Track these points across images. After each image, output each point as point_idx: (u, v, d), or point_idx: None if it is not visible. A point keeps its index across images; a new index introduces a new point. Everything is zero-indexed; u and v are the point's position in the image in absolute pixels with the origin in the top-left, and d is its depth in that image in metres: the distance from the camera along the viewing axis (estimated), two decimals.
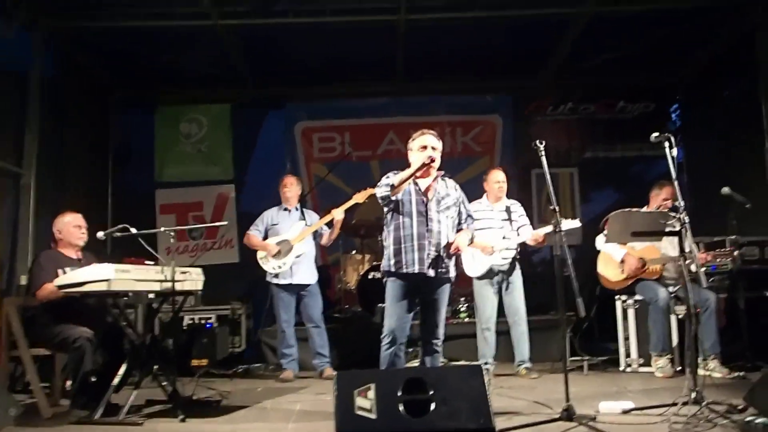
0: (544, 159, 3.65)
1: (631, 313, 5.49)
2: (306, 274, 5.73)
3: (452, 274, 4.09)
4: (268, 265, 5.68)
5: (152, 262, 4.78)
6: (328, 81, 8.02)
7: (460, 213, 4.19)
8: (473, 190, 8.18)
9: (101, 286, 3.80)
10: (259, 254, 5.75)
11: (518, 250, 5.45)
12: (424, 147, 4.06)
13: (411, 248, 3.95)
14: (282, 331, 5.69)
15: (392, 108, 8.42)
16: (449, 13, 6.48)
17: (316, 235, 5.86)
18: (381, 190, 4.05)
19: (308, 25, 6.53)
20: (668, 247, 5.27)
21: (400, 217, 4.04)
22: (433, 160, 4.01)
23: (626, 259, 5.33)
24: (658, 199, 5.29)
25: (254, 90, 8.15)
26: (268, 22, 6.47)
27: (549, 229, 4.95)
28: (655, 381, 4.90)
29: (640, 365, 5.36)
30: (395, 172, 4.10)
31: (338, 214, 5.56)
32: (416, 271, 3.93)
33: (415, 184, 4.06)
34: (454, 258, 4.10)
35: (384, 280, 4.11)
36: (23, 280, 5.32)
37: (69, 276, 3.98)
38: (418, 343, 4.32)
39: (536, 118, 8.37)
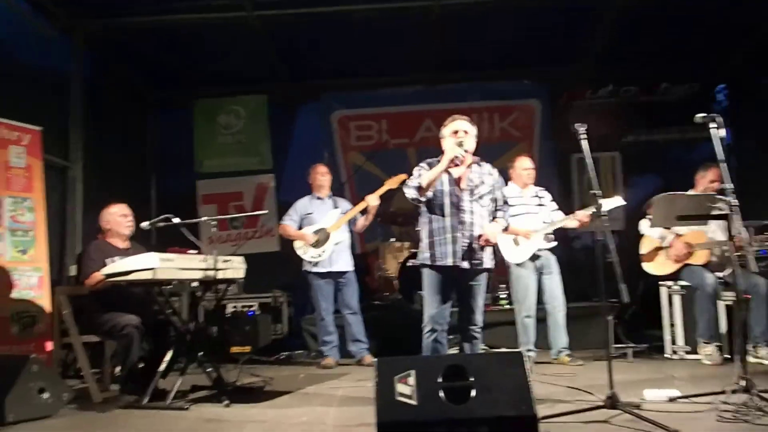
0: (585, 143, 3.57)
1: (677, 299, 5.37)
2: (344, 261, 5.76)
3: (488, 264, 4.01)
4: (307, 254, 5.72)
5: (195, 251, 4.88)
6: (364, 71, 8.00)
7: (495, 199, 4.09)
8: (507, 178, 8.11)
9: (146, 275, 3.89)
10: (296, 244, 5.79)
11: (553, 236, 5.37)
12: (455, 132, 3.97)
13: (444, 241, 3.91)
14: (322, 319, 5.74)
15: (428, 95, 8.38)
16: None
17: (351, 222, 5.88)
18: (410, 192, 3.99)
19: (342, 13, 6.52)
20: (716, 231, 5.13)
21: (434, 208, 3.98)
22: (456, 162, 3.91)
23: (673, 244, 5.20)
24: (705, 181, 5.15)
25: (290, 82, 8.20)
26: (301, 11, 6.49)
27: (593, 209, 4.86)
28: (702, 369, 4.79)
29: (687, 353, 5.25)
30: (428, 162, 4.03)
31: (372, 200, 5.57)
32: (450, 263, 3.89)
33: (448, 173, 3.98)
34: (489, 248, 4.01)
35: (421, 270, 4.07)
36: (73, 271, 5.48)
37: (115, 265, 4.08)
38: (456, 332, 4.31)
39: (575, 102, 8.22)
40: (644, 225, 5.36)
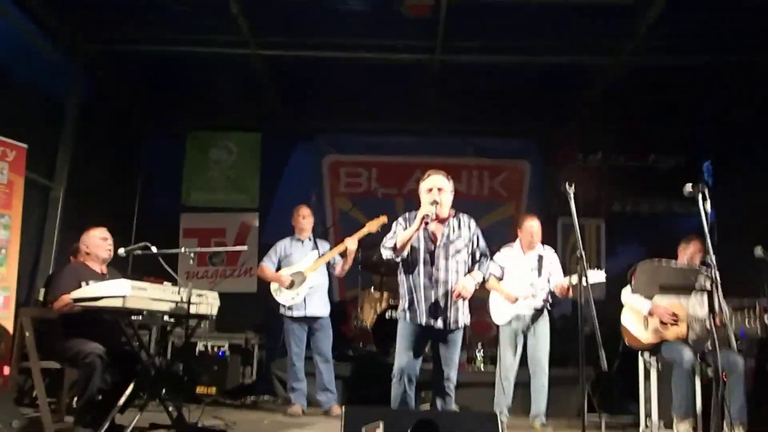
0: (572, 202, 3.56)
1: (653, 372, 5.28)
2: (319, 306, 5.65)
3: (463, 321, 4.00)
4: (282, 296, 5.61)
5: (171, 284, 4.77)
6: (359, 116, 8.08)
7: (473, 252, 4.10)
8: (497, 235, 8.10)
9: (117, 302, 3.78)
10: (273, 286, 5.68)
11: (548, 300, 5.29)
12: (430, 190, 3.99)
13: (420, 299, 3.94)
14: (293, 365, 5.59)
15: (421, 146, 8.45)
16: (483, 56, 6.53)
17: (330, 266, 5.80)
18: (386, 253, 4.03)
19: (342, 60, 6.62)
20: (696, 306, 5.09)
21: (409, 265, 4.02)
22: (427, 221, 3.90)
23: (655, 310, 5.14)
24: (686, 253, 5.14)
25: (284, 120, 8.25)
26: (303, 54, 6.59)
27: (574, 279, 4.82)
28: None
29: (661, 428, 5.14)
30: (405, 217, 4.08)
31: (351, 243, 5.50)
32: (424, 322, 3.91)
33: (425, 229, 3.99)
34: (465, 304, 4.02)
35: (397, 321, 4.10)
36: (41, 294, 5.33)
37: (86, 289, 3.96)
38: (430, 388, 4.22)
39: (565, 166, 8.29)
40: (626, 292, 5.32)
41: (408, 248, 3.96)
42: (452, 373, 3.99)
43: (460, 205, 8.01)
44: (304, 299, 5.54)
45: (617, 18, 5.87)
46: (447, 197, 4.03)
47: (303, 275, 5.59)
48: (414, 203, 7.69)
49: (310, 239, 5.85)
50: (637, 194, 8.23)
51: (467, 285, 3.94)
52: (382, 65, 6.75)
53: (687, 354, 4.92)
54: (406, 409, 3.81)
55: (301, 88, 7.47)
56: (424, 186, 4.05)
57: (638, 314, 5.29)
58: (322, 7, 5.89)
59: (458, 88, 7.23)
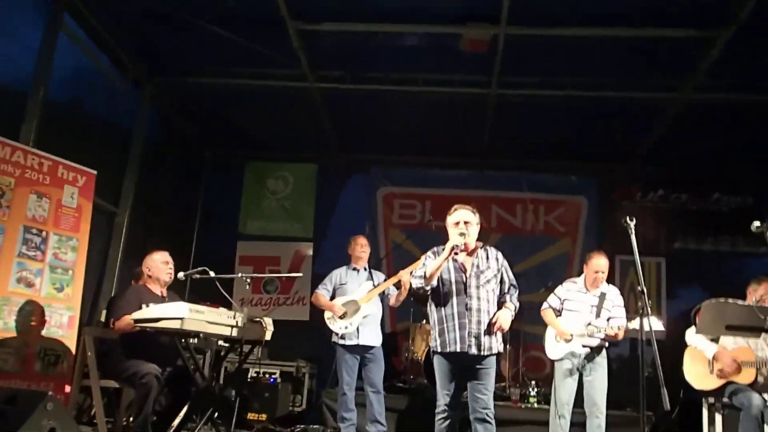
0: (633, 236, 3.48)
1: (718, 418, 5.04)
2: (371, 335, 5.63)
3: (496, 349, 4.07)
4: (335, 325, 5.62)
5: (226, 309, 4.85)
6: (414, 149, 8.14)
7: (502, 282, 4.21)
8: (552, 271, 7.96)
9: (174, 324, 3.87)
10: (326, 314, 5.70)
11: (606, 339, 5.12)
12: (457, 223, 4.10)
13: (453, 327, 4.02)
14: (343, 394, 5.56)
15: (475, 180, 8.41)
16: (541, 90, 6.51)
17: (384, 297, 5.79)
18: (416, 282, 4.15)
19: (399, 93, 6.71)
20: (765, 348, 4.86)
21: (440, 296, 4.10)
22: (456, 251, 3.99)
23: (719, 357, 4.92)
24: (757, 294, 4.93)
25: (340, 152, 8.37)
26: (361, 87, 6.71)
27: (631, 326, 4.69)
28: None
29: None
30: (434, 251, 4.18)
31: (405, 275, 5.48)
32: (458, 350, 3.99)
33: (454, 260, 4.11)
34: (499, 333, 4.09)
35: (432, 357, 4.19)
36: (103, 315, 5.51)
37: (146, 311, 4.07)
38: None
39: (624, 203, 8.12)
40: (690, 333, 5.11)
41: (437, 278, 4.07)
42: (489, 401, 4.03)
43: (514, 239, 8.08)
44: (357, 329, 5.54)
45: (680, 52, 5.78)
46: (474, 230, 4.15)
47: (357, 305, 5.60)
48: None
49: (365, 269, 5.87)
50: (700, 233, 7.94)
51: (506, 318, 4.06)
52: (439, 99, 6.80)
53: (756, 399, 4.69)
54: None
55: (357, 121, 7.59)
56: (451, 220, 4.16)
57: (703, 356, 5.08)
58: (381, 42, 5.99)
59: (514, 123, 7.22)
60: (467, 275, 4.09)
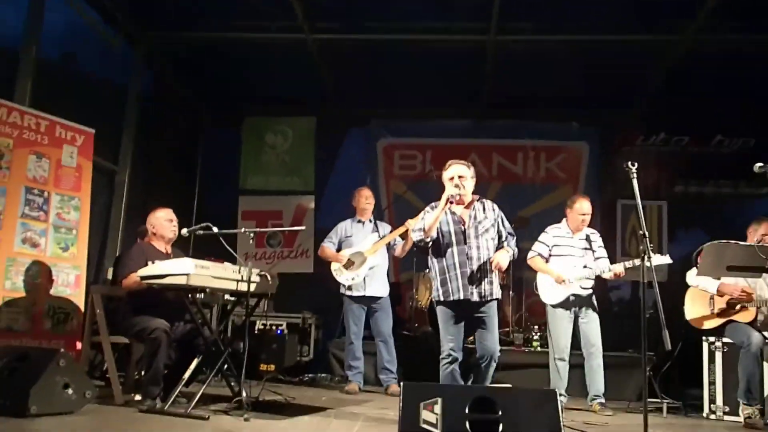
0: (635, 180, 3.48)
1: (718, 356, 5.14)
2: (378, 286, 5.70)
3: (497, 295, 4.26)
4: (342, 277, 5.69)
5: (231, 264, 4.89)
6: (413, 99, 8.04)
7: (499, 232, 4.37)
8: (554, 218, 7.95)
9: (180, 280, 3.90)
10: (333, 266, 5.77)
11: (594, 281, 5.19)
12: (451, 178, 4.25)
13: (455, 276, 4.21)
14: (350, 343, 5.67)
15: (475, 130, 8.36)
16: (539, 36, 6.40)
17: (390, 248, 5.83)
18: (416, 235, 4.33)
19: (397, 43, 6.60)
20: (765, 288, 4.92)
21: (441, 247, 4.28)
22: (451, 201, 4.17)
23: (723, 288, 4.97)
24: (757, 234, 4.96)
25: (339, 106, 8.29)
26: (358, 38, 6.60)
27: (637, 262, 4.71)
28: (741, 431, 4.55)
29: (726, 413, 5.00)
30: (432, 206, 4.32)
31: (412, 224, 5.51)
32: (462, 297, 4.18)
33: (452, 213, 4.29)
34: (497, 279, 4.28)
35: (435, 307, 4.37)
36: (109, 273, 5.56)
37: (151, 268, 4.10)
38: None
39: (625, 148, 8.07)
40: (691, 275, 5.17)
41: (435, 230, 4.23)
42: (493, 344, 4.20)
43: (515, 187, 8.08)
44: (364, 279, 5.60)
45: None
46: (469, 183, 4.30)
47: (363, 256, 5.65)
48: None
49: (371, 221, 5.90)
50: (702, 176, 7.90)
51: (503, 258, 4.20)
52: (437, 48, 6.70)
53: (755, 337, 4.78)
54: (464, 386, 4.02)
55: (355, 73, 7.49)
56: (446, 175, 4.31)
57: (704, 296, 5.15)
58: None
59: (514, 71, 7.11)
60: (466, 226, 4.26)
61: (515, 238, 4.44)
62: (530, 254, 5.31)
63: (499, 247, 4.34)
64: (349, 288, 5.64)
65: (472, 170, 4.35)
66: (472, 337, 4.41)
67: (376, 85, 7.73)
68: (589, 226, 5.37)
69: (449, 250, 4.25)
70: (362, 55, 7.02)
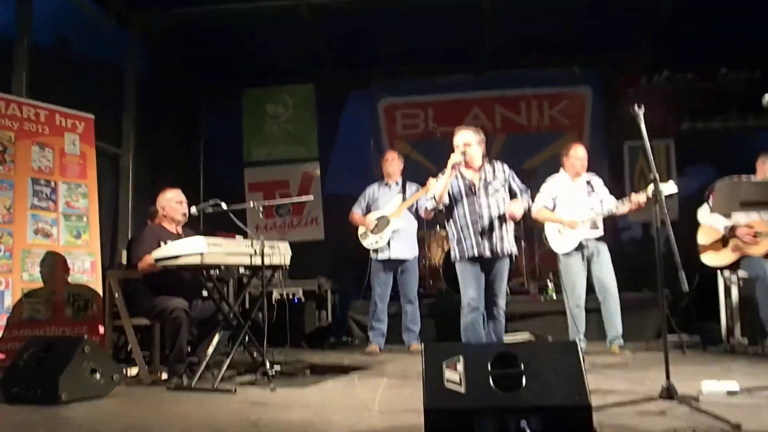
0: (642, 125, 3.44)
1: (734, 290, 5.16)
2: (404, 249, 5.71)
3: (510, 251, 4.43)
4: (367, 240, 5.74)
5: (242, 237, 4.91)
6: (411, 57, 7.93)
7: (512, 191, 4.51)
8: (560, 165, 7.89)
9: (195, 260, 3.93)
10: (360, 230, 5.82)
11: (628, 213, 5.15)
12: (457, 146, 4.40)
13: (468, 235, 4.39)
14: (375, 305, 5.74)
15: (476, 83, 8.28)
16: None
17: (416, 209, 5.80)
18: (428, 204, 4.56)
19: (391, 3, 6.48)
20: None
21: (454, 209, 4.46)
22: (457, 166, 4.33)
23: (735, 230, 4.97)
24: (766, 167, 4.92)
25: (337, 71, 8.19)
26: (351, 0, 6.46)
27: (649, 191, 4.69)
28: (762, 362, 4.59)
29: (745, 345, 5.04)
30: (439, 176, 4.49)
31: (433, 183, 5.49)
32: (476, 254, 4.36)
33: (462, 177, 4.44)
34: (511, 235, 4.44)
35: (454, 263, 4.53)
36: (123, 256, 5.60)
37: (164, 249, 4.13)
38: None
39: (629, 89, 7.94)
40: (703, 212, 5.15)
41: (446, 197, 4.41)
42: (501, 301, 4.45)
43: (520, 137, 8.03)
44: (388, 243, 5.62)
45: None
46: (475, 150, 4.42)
47: (387, 219, 5.66)
48: None
49: (397, 183, 5.88)
50: (708, 111, 7.79)
51: (516, 208, 4.37)
52: (432, 3, 6.56)
53: None
54: (485, 343, 4.10)
55: (350, 35, 7.37)
56: (454, 143, 4.43)
57: (716, 233, 5.14)
58: None
59: (512, 20, 6.95)
60: (476, 188, 4.42)
61: (529, 192, 4.61)
62: (534, 207, 5.18)
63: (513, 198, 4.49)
64: (375, 251, 5.67)
65: (479, 136, 4.46)
66: None
67: (372, 46, 7.63)
68: (596, 170, 5.35)
69: (461, 211, 4.42)
70: (356, 17, 6.89)
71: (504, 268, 4.44)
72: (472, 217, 4.39)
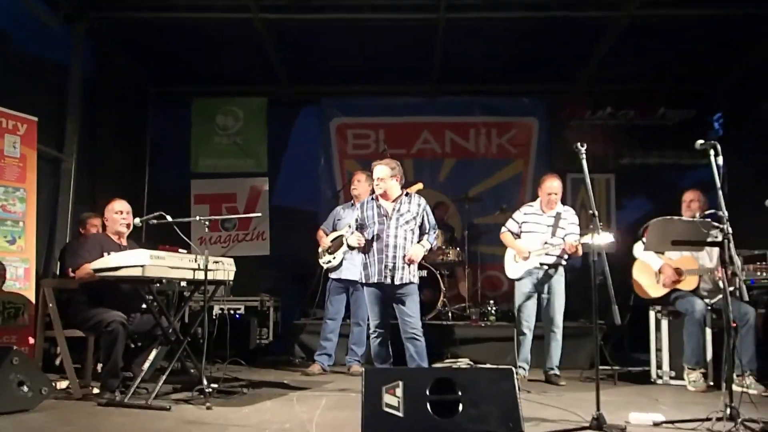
0: (584, 162, 3.58)
1: (664, 324, 5.37)
2: (354, 270, 5.71)
3: (408, 278, 4.65)
4: (323, 259, 5.76)
5: (186, 251, 4.83)
6: (364, 79, 8.02)
7: (422, 225, 4.78)
8: (507, 192, 8.11)
9: (136, 272, 3.86)
10: (319, 249, 5.81)
11: (563, 257, 5.29)
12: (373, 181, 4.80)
13: (373, 262, 4.68)
14: (324, 323, 5.72)
15: (427, 107, 8.41)
16: (488, 13, 6.43)
17: None
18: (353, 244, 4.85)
19: (346, 21, 6.55)
20: (706, 257, 5.15)
21: (369, 238, 4.72)
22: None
23: (663, 269, 5.22)
24: (684, 205, 5.22)
25: (289, 86, 8.19)
26: (306, 17, 6.52)
27: (585, 238, 4.88)
28: (687, 395, 4.79)
29: (672, 378, 5.24)
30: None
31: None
32: (377, 281, 4.64)
33: (379, 207, 4.74)
34: (414, 265, 4.69)
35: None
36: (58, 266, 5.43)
37: (105, 260, 4.04)
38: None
39: (573, 122, 8.27)
40: (638, 248, 5.36)
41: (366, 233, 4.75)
42: (415, 322, 4.64)
43: (468, 163, 8.16)
44: (341, 263, 5.63)
45: None
46: (389, 183, 4.71)
47: (341, 240, 5.66)
48: (422, 162, 7.77)
49: None
50: (646, 148, 8.19)
51: (416, 251, 4.66)
52: (387, 25, 6.66)
53: (698, 304, 5.01)
54: (424, 368, 4.22)
55: (305, 52, 7.39)
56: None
57: (650, 268, 5.35)
58: None
59: (464, 47, 7.14)
60: (389, 218, 4.70)
61: (437, 231, 4.94)
62: (502, 230, 5.50)
63: (420, 240, 4.74)
64: (331, 270, 5.68)
65: (394, 170, 4.72)
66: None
67: (326, 63, 7.68)
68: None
69: (373, 239, 4.70)
70: (311, 34, 6.93)
71: (411, 292, 4.66)
72: (379, 246, 4.66)
